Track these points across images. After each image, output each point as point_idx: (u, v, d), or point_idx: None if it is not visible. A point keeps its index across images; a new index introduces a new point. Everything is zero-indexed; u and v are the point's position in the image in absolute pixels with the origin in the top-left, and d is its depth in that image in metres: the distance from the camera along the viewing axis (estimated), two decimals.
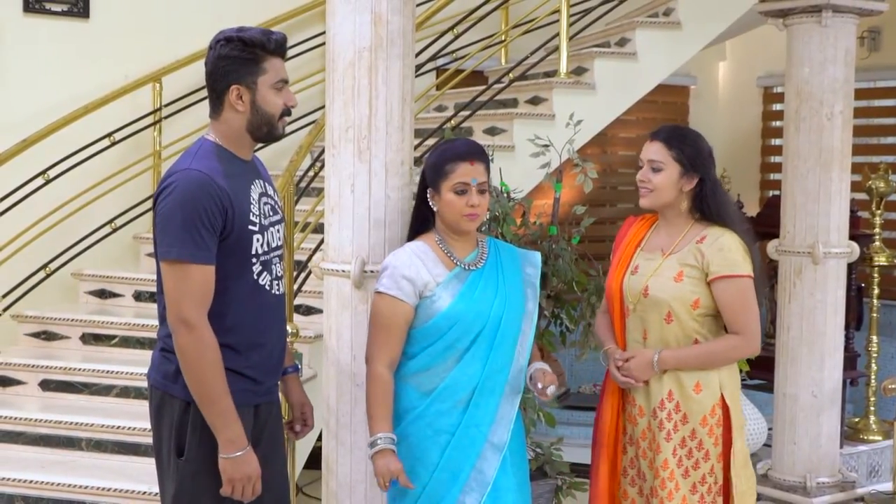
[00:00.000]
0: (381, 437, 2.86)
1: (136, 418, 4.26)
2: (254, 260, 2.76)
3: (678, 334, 3.15)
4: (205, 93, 2.86)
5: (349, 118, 3.20)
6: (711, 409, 3.15)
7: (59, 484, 4.06)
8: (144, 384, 2.92)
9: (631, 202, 7.74)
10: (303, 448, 4.38)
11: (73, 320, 4.97)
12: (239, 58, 2.72)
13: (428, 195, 2.99)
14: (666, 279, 3.14)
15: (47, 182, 5.19)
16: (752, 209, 7.30)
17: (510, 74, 5.30)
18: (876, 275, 5.98)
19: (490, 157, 3.11)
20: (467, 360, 2.93)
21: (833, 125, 4.87)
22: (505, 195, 4.23)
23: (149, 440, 2.97)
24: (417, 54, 3.81)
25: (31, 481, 4.08)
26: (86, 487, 4.03)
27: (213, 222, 2.65)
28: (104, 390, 4.60)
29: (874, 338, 5.96)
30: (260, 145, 2.91)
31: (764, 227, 5.22)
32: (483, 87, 5.42)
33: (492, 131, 5.27)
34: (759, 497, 3.41)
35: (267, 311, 2.82)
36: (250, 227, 2.74)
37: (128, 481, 4.06)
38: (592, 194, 4.89)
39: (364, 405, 3.17)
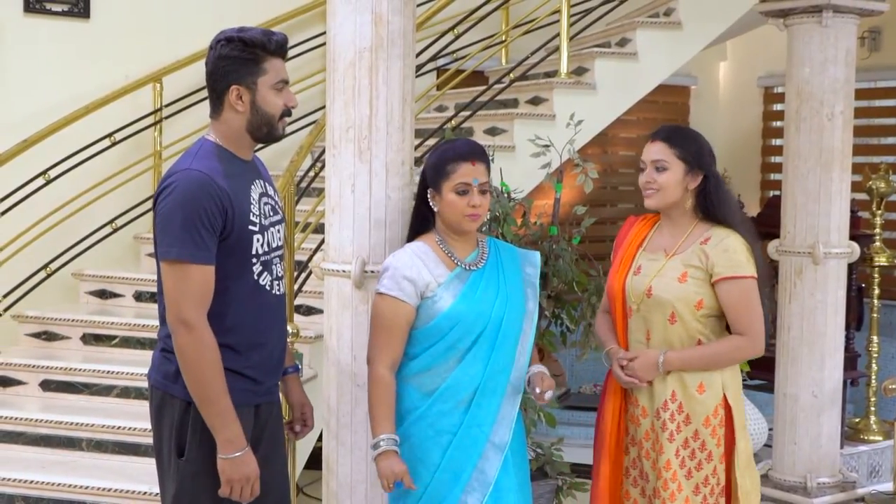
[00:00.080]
0: (383, 438, 2.86)
1: (136, 418, 4.26)
2: (254, 260, 2.76)
3: (682, 335, 3.14)
4: (205, 93, 2.86)
5: (350, 118, 3.20)
6: (714, 410, 3.15)
7: (59, 484, 4.06)
8: (145, 384, 2.93)
9: (632, 202, 7.74)
10: (303, 448, 4.38)
11: (73, 320, 4.97)
12: (239, 58, 2.72)
13: (428, 195, 2.99)
14: (670, 280, 3.14)
15: (48, 182, 5.19)
16: (752, 209, 7.30)
17: (511, 75, 5.29)
18: (876, 275, 5.98)
19: (490, 158, 3.11)
20: (469, 361, 2.93)
21: (833, 125, 4.87)
22: (505, 195, 4.23)
23: (149, 440, 2.97)
24: (418, 54, 3.81)
25: (31, 481, 4.08)
26: (86, 488, 4.03)
27: (213, 222, 2.64)
28: (105, 390, 4.60)
29: (874, 338, 5.96)
30: (260, 145, 2.91)
31: (764, 227, 5.22)
32: (484, 88, 5.42)
33: (492, 131, 5.27)
34: (761, 497, 3.41)
35: (267, 311, 2.82)
36: (250, 227, 2.74)
37: (128, 481, 4.06)
38: (593, 194, 4.89)
39: (365, 405, 3.17)
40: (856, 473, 5.20)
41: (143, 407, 3.10)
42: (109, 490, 4.02)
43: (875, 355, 5.96)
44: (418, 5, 3.56)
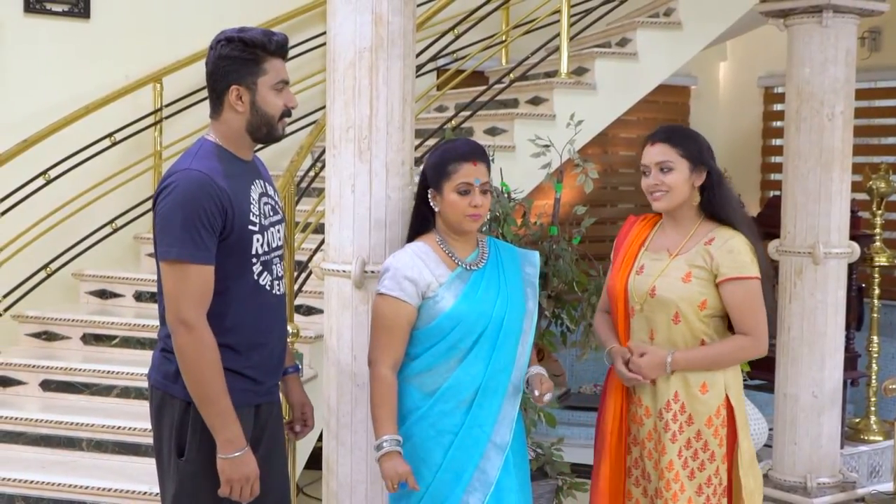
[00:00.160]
0: (386, 439, 2.86)
1: (136, 419, 4.26)
2: (254, 260, 2.76)
3: (685, 335, 3.14)
4: (205, 93, 2.86)
5: (350, 118, 3.20)
6: (716, 410, 3.14)
7: (59, 484, 4.06)
8: (145, 384, 2.93)
9: (632, 202, 7.75)
10: (303, 448, 4.38)
11: (73, 320, 4.97)
12: (239, 58, 2.72)
13: (429, 196, 2.99)
14: (674, 279, 3.14)
15: (48, 182, 5.19)
16: (752, 209, 7.30)
17: (511, 75, 5.29)
18: (876, 275, 5.98)
19: (491, 158, 3.11)
20: (470, 361, 2.93)
21: (834, 125, 4.87)
22: (505, 195, 4.23)
23: (149, 440, 2.97)
24: (418, 54, 3.81)
25: (31, 481, 4.08)
26: (86, 488, 4.03)
27: (212, 222, 2.64)
28: (105, 390, 4.60)
29: (875, 338, 5.96)
30: (260, 146, 2.91)
31: (764, 227, 5.20)
32: (484, 88, 5.42)
33: (492, 131, 5.27)
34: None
35: (267, 311, 2.82)
36: (250, 227, 2.74)
37: (128, 481, 4.06)
38: (593, 194, 4.89)
39: (365, 406, 3.17)
40: (856, 473, 5.20)
41: (143, 407, 3.10)
42: (109, 490, 4.02)
43: (875, 355, 5.96)
44: (418, 5, 3.56)
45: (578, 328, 4.35)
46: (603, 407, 3.33)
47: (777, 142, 8.08)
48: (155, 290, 2.86)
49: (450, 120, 5.17)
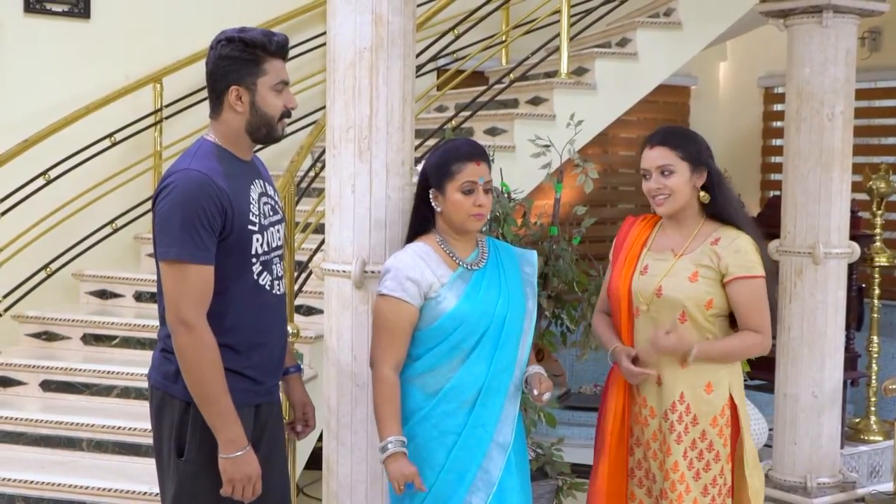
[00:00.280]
0: (391, 440, 2.85)
1: (136, 419, 4.26)
2: (254, 260, 2.76)
3: (692, 334, 3.14)
4: (205, 93, 2.86)
5: (350, 118, 3.20)
6: (721, 410, 3.15)
7: (59, 484, 4.06)
8: (145, 385, 2.93)
9: (632, 202, 7.75)
10: (303, 448, 4.38)
11: (73, 321, 4.97)
12: (239, 58, 2.72)
13: (431, 196, 2.98)
14: (681, 279, 3.13)
15: (48, 182, 5.19)
16: (752, 209, 7.30)
17: (511, 75, 5.29)
18: (876, 275, 5.98)
19: (491, 158, 3.11)
20: (473, 361, 2.93)
21: (834, 125, 4.87)
22: (506, 195, 4.23)
23: (149, 441, 2.97)
24: (418, 55, 3.81)
25: (31, 482, 4.08)
26: (86, 488, 4.03)
27: (212, 222, 2.64)
28: (105, 391, 4.60)
29: (875, 338, 5.97)
30: (260, 146, 2.91)
31: (765, 227, 5.19)
32: (484, 88, 5.42)
33: (492, 132, 5.27)
34: None
35: (267, 311, 2.82)
36: (250, 227, 2.74)
37: (128, 482, 4.06)
38: (593, 195, 4.89)
39: (365, 406, 3.17)
40: (856, 473, 5.20)
41: (143, 407, 3.10)
42: (109, 490, 4.02)
43: (875, 355, 5.96)
44: (418, 5, 3.56)
45: (578, 328, 4.35)
46: (603, 407, 3.33)
47: (777, 142, 8.08)
48: (155, 290, 2.86)
49: (450, 120, 5.17)
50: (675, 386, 3.15)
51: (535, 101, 5.32)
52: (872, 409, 5.95)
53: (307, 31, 6.08)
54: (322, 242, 4.15)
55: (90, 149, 5.38)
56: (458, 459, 2.92)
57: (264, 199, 2.83)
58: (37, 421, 4.39)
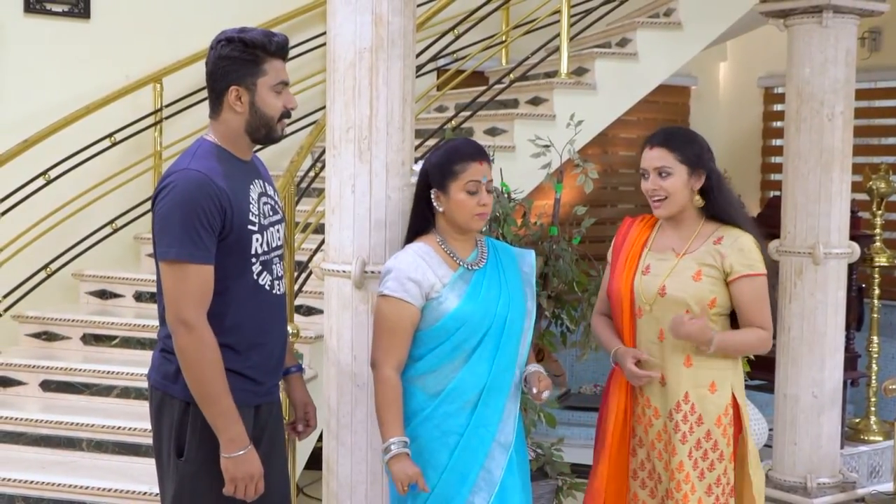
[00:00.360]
0: (394, 441, 2.85)
1: (136, 419, 4.26)
2: (253, 260, 2.76)
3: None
4: (205, 93, 2.85)
5: (350, 119, 3.20)
6: (725, 409, 3.15)
7: (59, 484, 4.06)
8: (145, 385, 2.93)
9: (632, 202, 7.75)
10: (303, 448, 4.38)
11: (73, 321, 4.97)
12: (239, 59, 2.72)
13: (433, 196, 2.98)
14: (685, 279, 3.13)
15: (48, 182, 5.19)
16: (752, 209, 7.31)
17: (511, 75, 5.29)
18: (876, 275, 5.99)
19: (491, 158, 3.11)
20: (475, 361, 2.93)
21: (834, 126, 4.87)
22: (505, 196, 4.23)
23: (149, 441, 2.97)
24: (418, 55, 3.81)
25: (31, 482, 4.08)
26: (86, 488, 4.04)
27: (211, 222, 2.64)
28: (105, 391, 4.60)
29: (875, 338, 5.97)
30: (259, 146, 2.91)
31: (765, 227, 5.20)
32: (484, 88, 5.42)
33: (492, 132, 5.27)
34: None
35: (267, 311, 2.82)
36: (249, 226, 2.74)
37: (128, 482, 4.06)
38: (593, 195, 4.89)
39: (365, 406, 3.17)
40: (856, 474, 5.20)
41: (143, 407, 3.10)
42: (109, 490, 4.02)
43: (875, 356, 5.97)
44: (418, 5, 3.56)
45: (578, 328, 4.36)
46: (605, 407, 3.32)
47: (777, 142, 8.08)
48: (155, 290, 2.86)
49: (450, 120, 5.17)
50: (678, 386, 3.15)
51: (535, 102, 5.32)
52: (872, 409, 5.96)
53: (307, 31, 6.08)
54: (322, 242, 4.15)
55: (90, 149, 5.38)
56: (460, 460, 2.92)
57: (264, 198, 2.83)
58: (37, 421, 4.39)
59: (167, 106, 5.69)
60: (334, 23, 3.24)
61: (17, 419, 4.39)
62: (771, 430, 5.30)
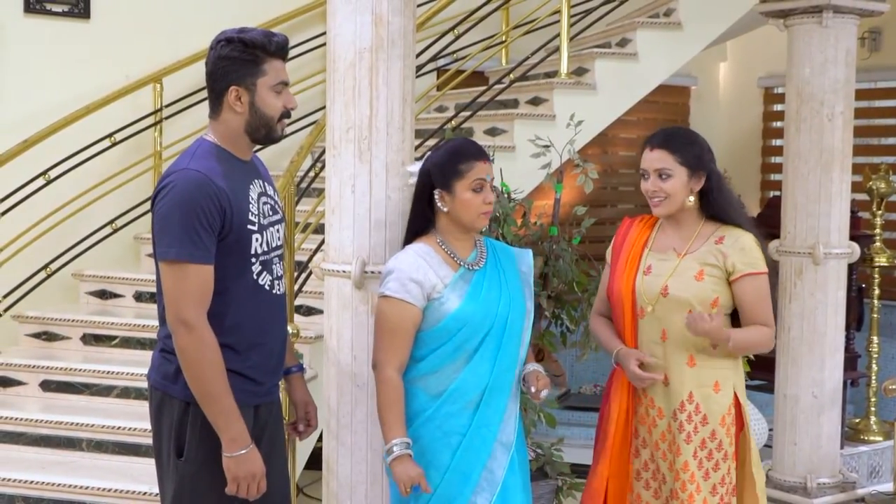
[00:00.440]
0: (396, 442, 2.84)
1: (136, 419, 4.26)
2: (253, 260, 2.76)
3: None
4: (205, 93, 2.85)
5: (350, 119, 3.20)
6: (728, 409, 3.15)
7: (59, 484, 4.06)
8: (145, 385, 2.93)
9: (632, 202, 7.75)
10: (303, 449, 4.38)
11: (73, 321, 4.97)
12: (239, 59, 2.72)
13: (436, 196, 2.97)
14: (687, 279, 3.13)
15: (48, 182, 5.19)
16: (752, 209, 7.31)
17: (511, 75, 5.29)
18: (876, 275, 5.99)
19: (491, 158, 3.11)
20: (477, 361, 2.93)
21: (834, 126, 4.87)
22: (505, 196, 4.23)
23: (149, 441, 2.97)
24: (418, 55, 3.81)
25: (31, 482, 4.08)
26: (86, 488, 4.03)
27: (211, 222, 2.64)
28: (105, 391, 4.60)
29: (875, 338, 5.97)
30: (259, 146, 2.91)
31: (765, 227, 5.20)
32: (484, 88, 5.42)
33: (492, 132, 5.27)
34: None
35: (267, 311, 2.82)
36: (249, 226, 2.74)
37: (128, 482, 4.06)
38: (593, 195, 4.89)
39: (365, 406, 3.18)
40: (856, 474, 5.20)
41: (143, 407, 3.10)
42: (109, 490, 4.02)
43: (875, 356, 5.97)
44: (418, 5, 3.56)
45: (578, 328, 4.36)
46: (606, 408, 3.31)
47: (777, 142, 8.08)
48: (155, 290, 2.86)
49: (450, 120, 5.17)
50: (682, 386, 3.15)
51: (535, 102, 5.32)
52: (872, 409, 5.96)
53: (307, 31, 6.08)
54: (322, 242, 4.15)
55: (90, 149, 5.38)
56: (462, 460, 2.92)
57: (264, 198, 2.83)
58: (37, 421, 4.39)
59: (167, 106, 5.69)
60: (334, 23, 3.24)
61: (17, 419, 4.39)
62: (771, 430, 5.30)
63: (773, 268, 5.08)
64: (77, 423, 4.35)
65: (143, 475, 4.01)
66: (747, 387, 3.40)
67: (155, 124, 5.66)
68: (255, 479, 2.70)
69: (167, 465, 2.76)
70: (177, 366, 2.68)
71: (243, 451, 2.67)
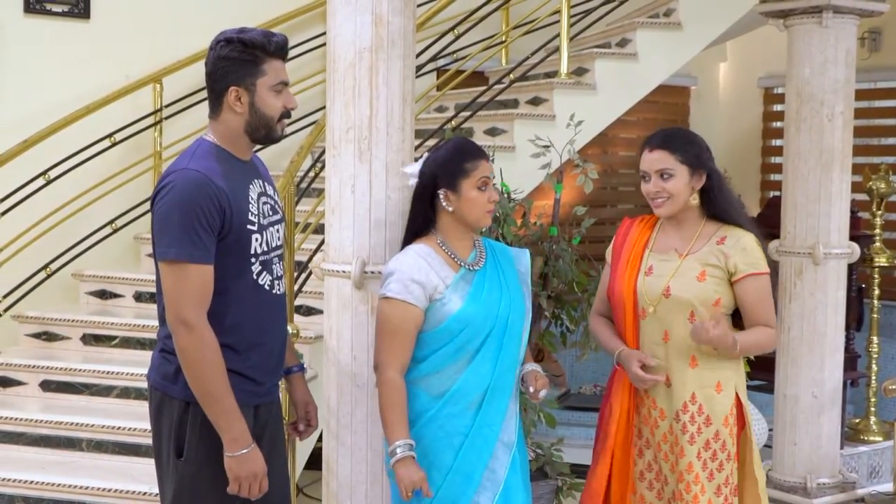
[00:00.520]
0: (399, 444, 2.84)
1: (136, 419, 4.26)
2: (253, 260, 2.76)
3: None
4: (205, 93, 2.85)
5: (350, 119, 3.20)
6: (730, 409, 3.15)
7: (59, 484, 4.06)
8: (145, 385, 2.93)
9: (631, 203, 7.75)
10: (303, 449, 4.38)
11: (73, 321, 4.97)
12: (238, 59, 2.72)
13: (441, 196, 2.96)
14: (689, 279, 3.13)
15: (48, 182, 5.20)
16: (752, 210, 7.31)
17: (511, 75, 5.29)
18: (876, 275, 5.99)
19: (490, 158, 3.11)
20: (478, 361, 2.93)
21: (834, 126, 4.87)
22: (505, 196, 4.23)
23: (149, 441, 2.97)
24: (418, 55, 3.81)
25: (31, 482, 4.08)
26: (86, 488, 4.04)
27: (210, 222, 2.64)
28: (104, 391, 4.61)
29: (874, 338, 5.97)
30: (259, 146, 2.91)
31: (765, 227, 5.20)
32: (484, 88, 5.42)
33: (492, 132, 5.27)
34: None
35: (267, 311, 2.81)
36: (249, 226, 2.74)
37: (128, 482, 4.06)
38: (593, 195, 4.89)
39: (365, 406, 3.18)
40: (856, 474, 5.20)
41: (143, 407, 3.10)
42: (109, 490, 4.02)
43: (875, 356, 5.97)
44: (418, 5, 3.56)
45: (578, 328, 4.36)
46: (607, 408, 3.31)
47: (777, 142, 8.08)
48: (155, 290, 2.86)
49: (450, 120, 5.17)
50: (684, 387, 3.14)
51: (535, 102, 5.32)
52: (872, 409, 5.95)
53: (307, 31, 6.08)
54: (322, 242, 4.15)
55: (90, 149, 5.38)
56: (465, 460, 2.92)
57: (263, 198, 2.83)
58: (37, 421, 4.39)
59: (167, 106, 5.69)
60: (334, 23, 3.24)
61: (17, 419, 4.39)
62: (771, 430, 5.30)
63: (773, 268, 5.10)
64: (77, 423, 4.35)
65: (143, 475, 4.02)
66: (747, 387, 3.40)
67: (155, 124, 5.66)
68: (256, 478, 2.70)
69: (167, 465, 2.76)
70: (176, 366, 2.68)
71: (245, 451, 2.67)
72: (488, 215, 2.98)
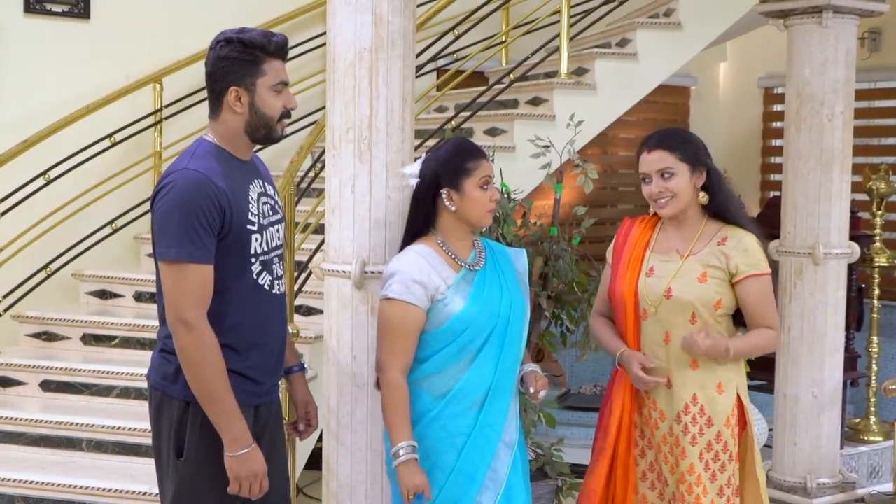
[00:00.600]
0: (403, 446, 2.83)
1: (136, 419, 4.26)
2: (253, 260, 2.76)
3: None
4: (205, 93, 2.85)
5: (350, 119, 3.20)
6: (732, 409, 3.15)
7: (59, 484, 4.06)
8: (145, 385, 2.93)
9: (632, 203, 7.75)
10: (303, 449, 4.38)
11: (73, 321, 4.97)
12: (238, 59, 2.72)
13: (443, 196, 2.96)
14: (690, 280, 3.13)
15: (48, 182, 5.20)
16: (752, 210, 7.31)
17: (511, 75, 5.29)
18: (876, 275, 5.98)
19: (491, 158, 3.11)
20: (480, 361, 2.93)
21: (834, 126, 4.87)
22: (505, 196, 4.23)
23: (149, 441, 2.97)
24: (418, 55, 3.81)
25: (31, 482, 4.09)
26: (86, 488, 4.04)
27: (210, 222, 2.64)
28: (105, 391, 4.61)
29: (875, 338, 5.97)
30: (259, 146, 2.91)
31: (765, 227, 5.20)
32: (484, 88, 5.42)
33: (492, 132, 5.27)
34: None
35: (267, 310, 2.81)
36: (249, 226, 2.74)
37: (128, 482, 4.06)
38: (593, 195, 4.89)
39: (365, 406, 3.18)
40: (856, 474, 5.20)
41: (143, 407, 3.10)
42: (109, 490, 4.02)
43: (875, 356, 5.97)
44: (418, 6, 3.56)
45: (578, 328, 4.36)
46: (607, 409, 3.30)
47: (777, 142, 8.08)
48: (155, 290, 2.86)
49: (450, 120, 5.17)
50: (685, 388, 3.14)
51: (535, 102, 5.32)
52: (872, 409, 5.95)
53: (307, 31, 6.08)
54: (322, 242, 4.15)
55: (90, 149, 5.38)
56: (468, 460, 2.92)
57: (263, 198, 2.83)
58: (37, 421, 4.39)
59: (167, 106, 5.69)
60: (334, 23, 3.24)
61: (17, 419, 4.39)
62: (771, 430, 5.29)
63: (773, 268, 5.10)
64: (77, 423, 4.36)
65: (143, 475, 4.02)
66: (747, 387, 3.40)
67: (155, 124, 5.66)
68: (257, 478, 2.70)
69: (167, 465, 2.76)
70: (176, 366, 2.68)
71: (245, 451, 2.67)
72: (489, 215, 2.99)
